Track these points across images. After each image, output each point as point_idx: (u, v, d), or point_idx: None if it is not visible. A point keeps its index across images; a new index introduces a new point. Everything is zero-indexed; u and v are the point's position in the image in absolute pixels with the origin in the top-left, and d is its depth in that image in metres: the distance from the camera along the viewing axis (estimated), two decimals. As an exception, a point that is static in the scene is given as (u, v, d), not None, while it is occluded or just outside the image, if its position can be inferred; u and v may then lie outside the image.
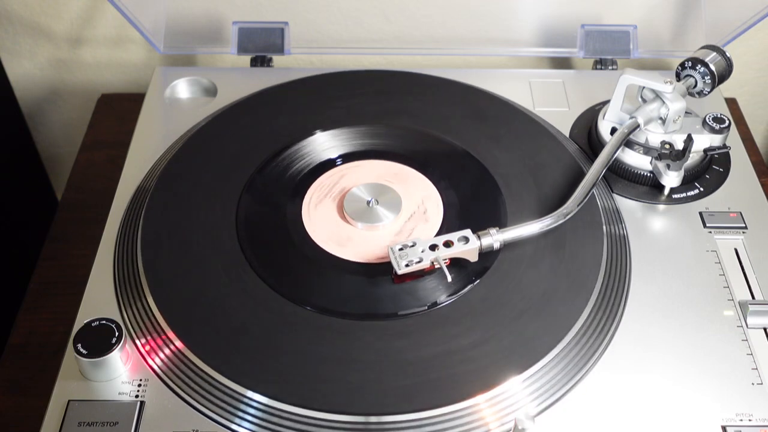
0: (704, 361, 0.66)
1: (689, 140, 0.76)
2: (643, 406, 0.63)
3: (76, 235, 0.88)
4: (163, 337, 0.66)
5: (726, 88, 0.90)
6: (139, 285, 0.69)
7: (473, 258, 0.70)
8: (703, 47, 0.80)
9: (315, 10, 1.02)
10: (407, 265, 0.68)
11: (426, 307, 0.68)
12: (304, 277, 0.71)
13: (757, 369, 0.66)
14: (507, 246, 0.70)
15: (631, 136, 0.78)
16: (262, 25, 0.96)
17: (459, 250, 0.69)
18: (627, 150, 0.79)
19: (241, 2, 0.98)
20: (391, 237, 0.74)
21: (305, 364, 0.64)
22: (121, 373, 0.64)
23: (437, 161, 0.81)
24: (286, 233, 0.74)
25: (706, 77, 0.79)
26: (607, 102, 0.82)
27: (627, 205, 0.78)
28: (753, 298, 0.71)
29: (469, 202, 0.77)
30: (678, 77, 0.81)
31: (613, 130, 0.80)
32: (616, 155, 0.77)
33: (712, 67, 0.79)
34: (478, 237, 0.69)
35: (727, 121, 0.79)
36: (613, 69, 0.95)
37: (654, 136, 0.78)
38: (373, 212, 0.76)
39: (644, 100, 0.79)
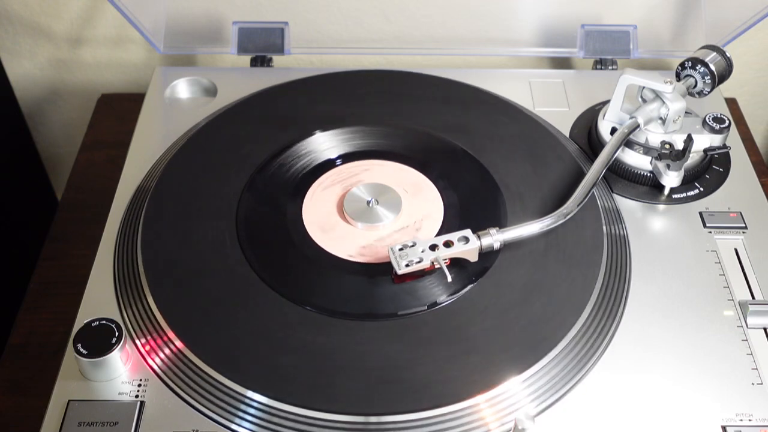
0: (704, 361, 0.66)
1: (689, 140, 0.76)
2: (643, 406, 0.63)
3: (76, 235, 0.88)
4: (163, 337, 0.66)
5: (726, 88, 0.90)
6: (139, 285, 0.69)
7: (473, 258, 0.70)
8: (703, 47, 0.80)
9: (315, 10, 1.01)
10: (407, 265, 0.68)
11: (426, 307, 0.68)
12: (304, 277, 0.70)
13: (757, 369, 0.66)
14: (507, 246, 0.70)
15: (631, 136, 0.78)
16: (262, 25, 0.96)
17: (459, 250, 0.69)
18: (627, 150, 0.79)
19: (241, 2, 0.98)
20: (392, 237, 0.74)
21: (305, 364, 0.64)
22: (121, 373, 0.64)
23: (437, 161, 0.81)
24: (286, 233, 0.74)
25: (706, 77, 0.79)
26: (607, 102, 0.82)
27: (627, 205, 0.78)
28: (753, 298, 0.71)
29: (469, 202, 0.77)
30: (678, 77, 0.81)
31: (613, 130, 0.80)
32: (616, 155, 0.77)
33: (712, 67, 0.79)
34: (478, 237, 0.69)
35: (727, 121, 0.79)
36: (613, 69, 0.95)
37: (654, 136, 0.78)
38: (373, 212, 0.76)
39: (644, 100, 0.79)
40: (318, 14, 1.02)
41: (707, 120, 0.78)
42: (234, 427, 0.61)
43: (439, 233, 0.75)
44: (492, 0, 0.97)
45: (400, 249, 0.69)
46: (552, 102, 0.90)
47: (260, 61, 0.96)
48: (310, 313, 0.67)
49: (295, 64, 1.07)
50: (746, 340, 0.68)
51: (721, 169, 0.81)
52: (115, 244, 0.74)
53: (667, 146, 0.76)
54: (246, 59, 0.97)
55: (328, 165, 0.81)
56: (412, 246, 0.69)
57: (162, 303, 0.67)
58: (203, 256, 0.72)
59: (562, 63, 1.08)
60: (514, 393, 0.63)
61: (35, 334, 0.79)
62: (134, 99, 0.98)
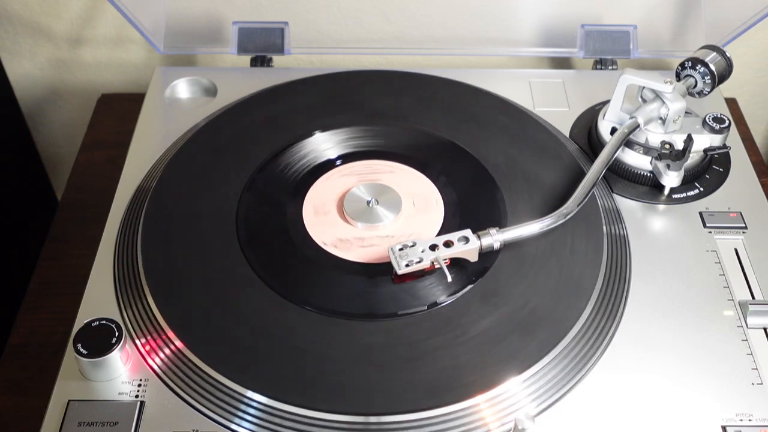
0: (704, 361, 0.66)
1: (689, 140, 0.76)
2: (643, 406, 0.63)
3: (76, 235, 0.88)
4: (163, 337, 0.66)
5: (726, 88, 0.90)
6: (139, 285, 0.69)
7: (473, 258, 0.70)
8: (703, 47, 0.80)
9: (315, 10, 1.01)
10: (407, 265, 0.68)
11: (426, 307, 0.68)
12: (304, 277, 0.70)
13: (757, 369, 0.66)
14: (507, 246, 0.70)
15: (631, 136, 0.78)
16: (262, 25, 0.96)
17: (459, 250, 0.69)
18: (627, 150, 0.79)
19: (241, 2, 0.98)
20: (392, 237, 0.74)
21: (305, 364, 0.64)
22: (121, 373, 0.64)
23: (437, 161, 0.81)
24: (286, 233, 0.74)
25: (706, 77, 0.79)
26: (607, 102, 0.82)
27: (627, 205, 0.78)
28: (753, 298, 0.71)
29: (469, 202, 0.77)
30: (678, 77, 0.81)
31: (613, 130, 0.80)
32: (616, 155, 0.77)
33: (712, 67, 0.79)
34: (478, 237, 0.69)
35: (727, 121, 0.79)
36: (613, 69, 0.95)
37: (654, 136, 0.78)
38: (373, 212, 0.76)
39: (644, 100, 0.79)
40: (318, 14, 1.02)
41: (707, 120, 0.78)
42: (234, 427, 0.61)
43: (439, 233, 0.75)
44: (492, 0, 0.97)
45: (400, 249, 0.69)
46: (552, 102, 0.90)
47: (260, 61, 0.96)
48: (310, 313, 0.67)
49: (295, 64, 1.07)
50: (746, 340, 0.68)
51: (721, 169, 0.81)
52: (115, 244, 0.74)
53: (667, 146, 0.76)
54: (246, 59, 0.97)
55: (328, 165, 0.81)
56: (412, 246, 0.69)
57: (162, 303, 0.67)
58: (203, 256, 0.72)
59: (562, 63, 1.08)
60: (514, 393, 0.63)
61: (35, 334, 0.79)
62: (134, 99, 0.97)
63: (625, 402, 0.64)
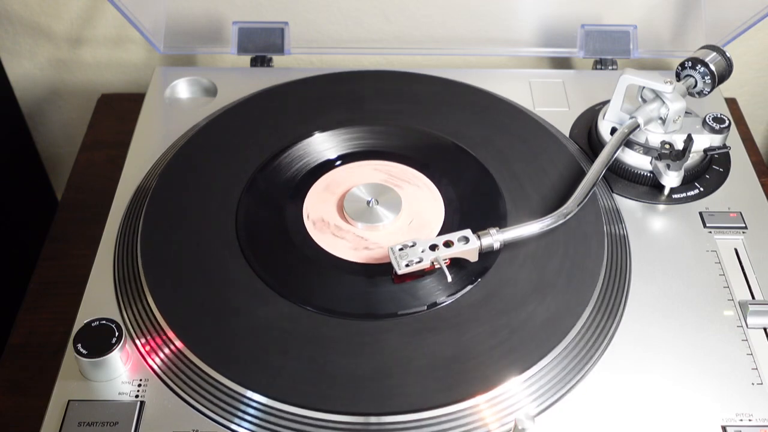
0: (704, 361, 0.66)
1: (689, 140, 0.76)
2: (643, 406, 0.63)
3: (76, 235, 0.88)
4: (163, 337, 0.66)
5: (726, 88, 0.90)
6: (139, 285, 0.69)
7: (473, 258, 0.70)
8: (703, 47, 0.80)
9: (315, 10, 1.02)
10: (407, 265, 0.68)
11: (426, 307, 0.68)
12: (304, 277, 0.70)
13: (757, 369, 0.66)
14: (507, 246, 0.70)
15: (631, 136, 0.78)
16: (262, 25, 0.96)
17: (459, 250, 0.69)
18: (627, 150, 0.79)
19: (241, 2, 0.98)
20: (392, 237, 0.74)
21: (305, 364, 0.64)
22: (121, 373, 0.64)
23: (437, 161, 0.81)
24: (286, 233, 0.74)
25: (706, 77, 0.79)
26: (607, 102, 0.82)
27: (627, 205, 0.78)
28: (753, 298, 0.71)
29: (469, 202, 0.77)
30: (678, 77, 0.81)
31: (613, 130, 0.80)
32: (616, 155, 0.77)
33: (712, 67, 0.79)
34: (478, 237, 0.69)
35: (727, 121, 0.79)
36: (613, 69, 0.95)
37: (654, 136, 0.78)
38: (373, 212, 0.76)
39: (644, 100, 0.79)
40: (318, 14, 1.02)
41: (707, 120, 0.78)
42: (234, 427, 0.61)
43: (439, 233, 0.75)
44: (492, 0, 0.97)
45: (400, 249, 0.69)
46: (552, 102, 0.90)
47: (260, 61, 0.96)
48: (310, 313, 0.67)
49: (295, 64, 1.07)
50: (746, 340, 0.68)
51: (721, 169, 0.81)
52: (115, 244, 0.74)
53: (667, 146, 0.76)
54: (246, 59, 0.97)
55: (328, 165, 0.81)
56: (412, 246, 0.69)
57: (162, 303, 0.67)
58: (203, 256, 0.72)
59: (562, 63, 1.08)
60: (515, 393, 0.63)
61: (35, 334, 0.79)
62: (134, 99, 0.98)
63: (625, 402, 0.64)
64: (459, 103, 0.87)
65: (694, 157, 0.79)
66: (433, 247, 0.69)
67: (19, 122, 1.16)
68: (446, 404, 0.61)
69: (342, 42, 1.05)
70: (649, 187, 0.79)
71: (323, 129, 0.83)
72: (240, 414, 0.62)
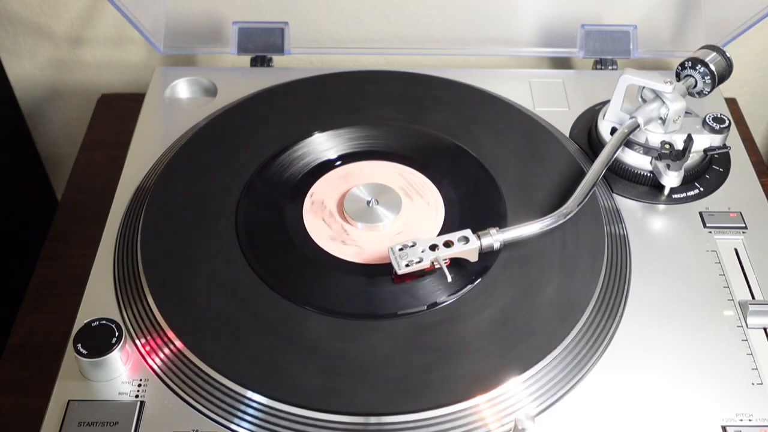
0: (704, 361, 0.66)
1: (689, 140, 0.76)
2: (643, 406, 0.63)
3: (76, 235, 0.88)
4: (163, 337, 0.66)
5: (726, 88, 0.90)
6: (139, 285, 0.69)
7: (473, 258, 0.70)
8: (703, 47, 0.80)
9: (315, 10, 1.02)
10: (407, 265, 0.68)
11: (426, 307, 0.68)
12: (304, 277, 0.70)
13: (757, 369, 0.66)
14: (507, 246, 0.70)
15: (631, 136, 0.78)
16: (262, 25, 0.96)
17: (459, 250, 0.69)
18: (627, 150, 0.79)
19: (241, 2, 0.98)
20: (392, 237, 0.74)
21: (305, 364, 0.64)
22: (121, 373, 0.64)
23: (437, 161, 0.81)
24: (286, 233, 0.74)
25: (706, 77, 0.79)
26: (607, 102, 0.82)
27: (627, 205, 0.78)
28: (753, 298, 0.71)
29: (470, 202, 0.77)
30: (678, 77, 0.81)
31: (613, 130, 0.80)
32: (616, 155, 0.77)
33: (712, 67, 0.79)
34: (478, 237, 0.69)
35: (727, 121, 0.79)
36: (613, 69, 0.95)
37: (654, 136, 0.78)
38: (373, 212, 0.76)
39: (644, 100, 0.79)
40: (318, 14, 1.02)
41: (707, 120, 0.78)
42: (234, 427, 0.61)
43: (439, 233, 0.75)
44: (492, 0, 0.97)
45: (400, 249, 0.69)
46: (552, 102, 0.90)
47: (260, 61, 0.96)
48: (310, 313, 0.67)
49: (295, 64, 1.07)
50: (746, 340, 0.68)
51: (721, 169, 0.81)
52: (115, 244, 0.74)
53: (667, 146, 0.76)
54: (246, 59, 0.97)
55: (328, 165, 0.81)
56: (412, 246, 0.69)
57: (162, 303, 0.67)
58: (203, 256, 0.72)
59: (562, 63, 1.08)
60: (515, 393, 0.63)
61: (35, 334, 0.79)
62: (134, 99, 0.98)
63: (625, 402, 0.64)
64: (459, 103, 0.87)
65: (694, 157, 0.79)
66: (433, 247, 0.69)
67: (19, 122, 1.16)
68: (446, 404, 0.61)
69: (342, 42, 1.05)
70: (649, 187, 0.79)
71: (323, 129, 0.83)
72: (240, 414, 0.62)
